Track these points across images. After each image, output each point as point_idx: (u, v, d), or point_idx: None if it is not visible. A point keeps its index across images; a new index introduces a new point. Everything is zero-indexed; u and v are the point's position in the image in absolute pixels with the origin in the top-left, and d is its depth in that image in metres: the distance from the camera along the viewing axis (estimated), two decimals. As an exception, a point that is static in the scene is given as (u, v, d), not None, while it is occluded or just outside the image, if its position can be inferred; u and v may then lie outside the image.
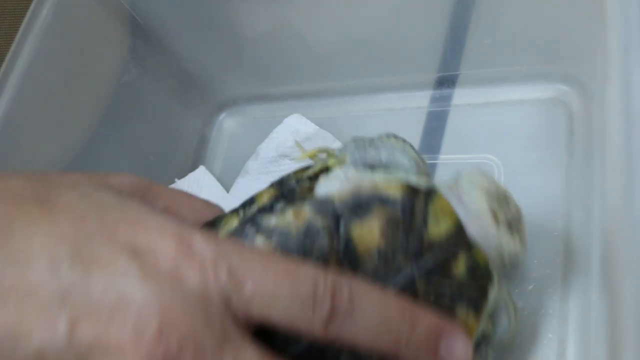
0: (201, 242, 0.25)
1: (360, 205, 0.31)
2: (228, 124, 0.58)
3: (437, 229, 0.31)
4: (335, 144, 0.50)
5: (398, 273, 0.30)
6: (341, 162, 0.34)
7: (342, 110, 0.54)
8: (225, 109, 0.58)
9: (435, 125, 0.50)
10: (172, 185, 0.52)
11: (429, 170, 0.36)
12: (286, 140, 0.50)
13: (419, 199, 0.31)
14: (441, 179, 0.36)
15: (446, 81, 0.51)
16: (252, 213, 0.31)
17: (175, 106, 0.55)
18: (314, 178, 0.33)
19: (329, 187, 0.32)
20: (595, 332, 0.37)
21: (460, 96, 0.50)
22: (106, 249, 0.24)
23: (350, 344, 0.26)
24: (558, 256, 0.41)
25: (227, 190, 0.52)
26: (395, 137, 0.35)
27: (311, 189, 0.33)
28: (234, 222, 0.31)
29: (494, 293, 0.32)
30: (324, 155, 0.36)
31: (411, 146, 0.35)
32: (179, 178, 0.53)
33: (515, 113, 0.48)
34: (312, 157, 0.36)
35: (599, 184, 0.40)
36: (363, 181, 0.32)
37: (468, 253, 0.31)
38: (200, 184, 0.53)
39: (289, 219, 0.30)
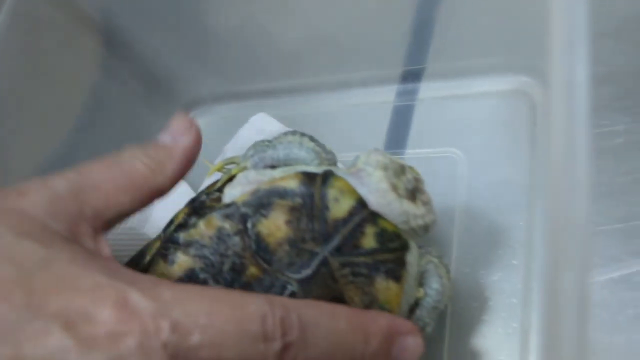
0: (138, 299, 0.24)
1: (262, 203, 0.33)
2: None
3: (339, 208, 0.33)
4: (301, 142, 0.51)
5: (311, 257, 0.32)
6: (243, 169, 0.37)
7: (310, 107, 0.55)
8: (193, 109, 0.60)
9: (401, 120, 0.52)
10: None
11: (335, 159, 0.38)
12: (251, 139, 0.50)
13: (315, 185, 0.34)
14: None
15: (412, 75, 0.52)
16: (170, 232, 0.34)
17: (142, 109, 0.56)
18: (221, 189, 0.36)
19: (233, 193, 0.35)
20: (558, 322, 0.38)
21: (426, 90, 0.52)
22: (37, 323, 0.23)
23: None
24: (522, 246, 0.44)
25: (196, 190, 0.53)
26: (294, 133, 0.38)
27: (219, 200, 0.36)
28: (156, 245, 0.35)
29: (412, 258, 0.35)
30: (232, 166, 0.39)
31: (310, 138, 0.38)
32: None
33: (480, 105, 0.50)
34: (219, 169, 0.40)
35: (562, 173, 0.41)
36: (262, 180, 0.35)
37: (374, 223, 0.33)
38: None
39: (201, 230, 0.33)
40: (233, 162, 0.39)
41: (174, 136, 0.32)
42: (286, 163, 0.37)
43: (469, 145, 0.48)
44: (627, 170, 0.44)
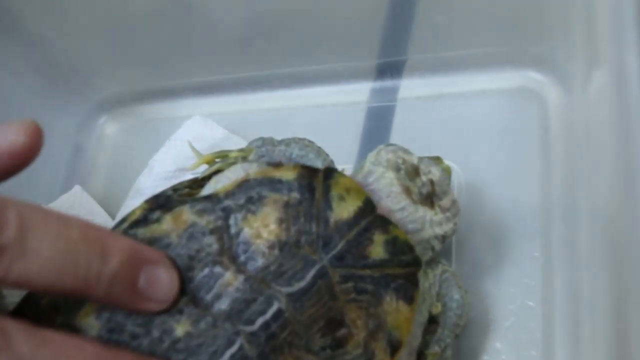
0: None
1: (250, 195, 0.33)
2: (111, 129, 0.55)
3: (344, 208, 0.33)
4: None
5: (307, 266, 0.31)
6: (244, 157, 0.37)
7: (259, 108, 0.52)
8: (107, 110, 0.55)
9: (377, 125, 0.49)
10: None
11: None
12: (186, 149, 0.47)
13: (316, 179, 0.33)
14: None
15: (390, 69, 0.50)
16: (121, 230, 0.33)
17: (40, 108, 0.52)
18: (195, 185, 0.36)
19: (216, 186, 0.35)
20: None
21: (408, 88, 0.50)
22: None
23: (25, 286, 0.26)
24: (539, 283, 0.41)
25: (113, 216, 0.50)
26: (310, 142, 0.38)
27: (191, 194, 0.35)
28: None
29: (428, 275, 0.35)
30: (220, 160, 0.38)
31: (327, 155, 0.38)
32: (47, 203, 0.49)
33: (477, 107, 0.47)
34: (209, 162, 0.39)
35: (584, 193, 0.39)
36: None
37: (384, 230, 0.33)
38: (76, 208, 0.50)
39: (166, 227, 0.32)
40: (225, 155, 0.38)
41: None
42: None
43: (465, 157, 0.46)
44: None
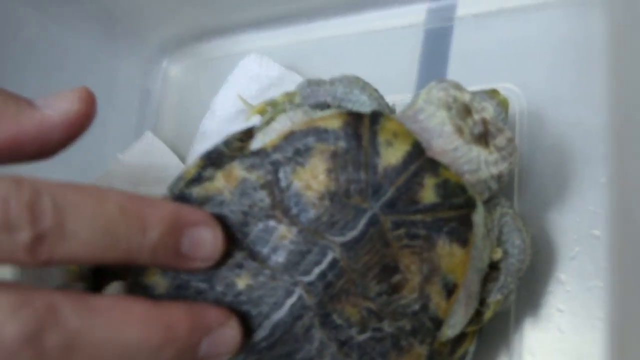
0: None
1: (297, 148, 0.32)
2: (174, 70, 0.55)
3: (392, 154, 0.32)
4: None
5: (358, 215, 0.31)
6: (291, 100, 0.37)
7: (314, 38, 0.51)
8: (169, 52, 0.56)
9: (435, 48, 0.47)
10: (115, 164, 0.49)
11: (395, 112, 0.37)
12: (244, 89, 0.47)
13: (363, 126, 0.33)
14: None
15: None
16: (179, 189, 0.33)
17: (105, 57, 0.53)
18: (246, 137, 0.35)
19: (264, 139, 0.34)
20: None
21: (466, 5, 0.47)
22: None
23: (72, 263, 0.27)
24: (606, 211, 0.39)
25: (183, 159, 0.50)
26: (357, 77, 0.37)
27: (241, 150, 0.34)
28: None
29: (479, 218, 0.33)
30: (272, 110, 0.38)
31: (375, 90, 0.37)
32: (121, 152, 0.50)
33: (539, 22, 0.44)
34: (261, 112, 0.38)
35: None
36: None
37: (434, 173, 0.32)
38: (149, 156, 0.50)
39: (219, 184, 0.32)
40: (275, 104, 0.38)
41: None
42: (340, 105, 0.36)
43: (526, 78, 0.43)
44: None
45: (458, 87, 0.35)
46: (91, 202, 0.26)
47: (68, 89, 0.30)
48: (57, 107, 0.28)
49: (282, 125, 0.35)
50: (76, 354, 0.25)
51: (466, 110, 0.35)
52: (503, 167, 0.35)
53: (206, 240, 0.29)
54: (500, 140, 0.35)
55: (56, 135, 0.28)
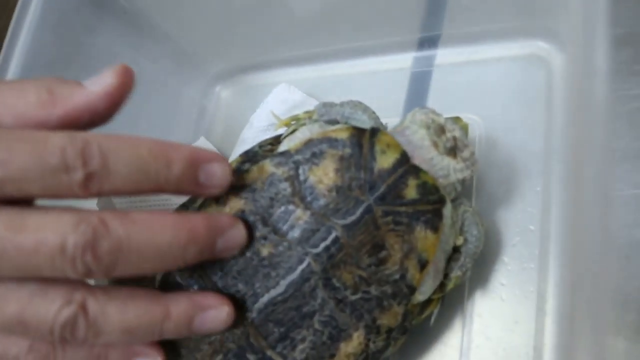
0: None
1: (314, 151, 0.32)
2: (224, 94, 0.55)
3: (385, 160, 0.32)
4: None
5: (357, 204, 0.31)
6: (310, 116, 0.37)
7: (328, 75, 0.50)
8: (221, 81, 0.55)
9: (419, 87, 0.46)
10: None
11: (386, 129, 0.36)
12: (276, 109, 0.47)
13: (364, 137, 0.32)
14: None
15: (428, 41, 0.46)
16: None
17: (173, 83, 0.52)
18: (275, 142, 0.35)
19: (289, 144, 0.34)
20: (573, 287, 0.34)
21: (443, 56, 0.46)
22: None
23: (116, 195, 0.27)
24: (539, 211, 0.39)
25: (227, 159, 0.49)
26: (360, 102, 0.37)
27: (271, 151, 0.34)
28: None
29: (447, 212, 0.33)
30: (295, 122, 0.37)
31: (373, 112, 0.36)
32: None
33: (496, 71, 0.44)
34: (287, 124, 0.38)
35: (577, 141, 0.36)
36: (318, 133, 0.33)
37: (416, 176, 0.32)
38: None
39: (254, 176, 0.31)
40: (298, 119, 0.38)
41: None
42: (347, 122, 0.36)
43: (486, 111, 0.42)
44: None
45: (435, 112, 0.35)
46: (128, 147, 0.25)
47: (108, 67, 0.28)
48: (100, 83, 0.27)
49: (302, 134, 0.35)
50: (124, 254, 0.24)
51: (441, 130, 0.34)
52: (467, 173, 0.34)
53: (217, 172, 0.28)
54: (465, 154, 0.34)
55: (102, 106, 0.27)
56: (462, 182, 0.34)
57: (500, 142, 0.41)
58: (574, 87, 0.39)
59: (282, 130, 0.37)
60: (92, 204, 0.40)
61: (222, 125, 0.53)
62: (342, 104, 0.36)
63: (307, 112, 0.38)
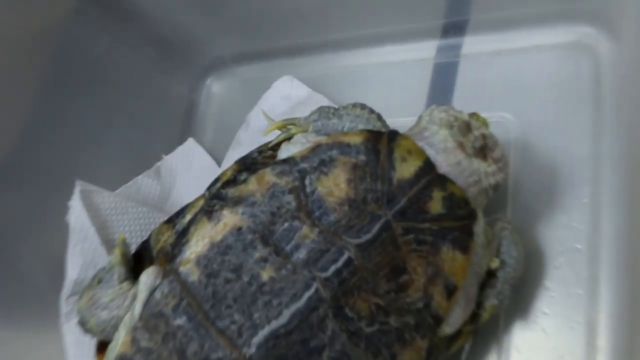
0: None
1: (322, 159, 0.31)
2: (216, 88, 0.54)
3: (406, 168, 0.31)
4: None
5: (373, 220, 0.30)
6: (304, 130, 0.35)
7: (339, 66, 0.48)
8: (212, 72, 0.54)
9: (443, 79, 0.45)
10: (160, 162, 0.48)
11: None
12: (276, 106, 0.46)
13: (381, 142, 0.31)
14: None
15: (454, 28, 0.45)
16: (216, 189, 0.32)
17: (157, 74, 0.51)
18: (277, 147, 0.34)
19: (291, 150, 0.33)
20: (632, 318, 0.33)
21: (471, 44, 0.45)
22: None
23: None
24: (587, 227, 0.37)
25: (219, 163, 0.48)
26: (363, 107, 0.35)
27: (272, 157, 0.33)
28: (199, 203, 0.33)
29: (479, 228, 0.32)
30: (292, 127, 0.36)
31: (378, 117, 0.35)
32: (167, 153, 0.49)
33: (533, 61, 0.42)
34: (280, 128, 0.36)
35: (633, 143, 0.35)
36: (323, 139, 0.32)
37: (442, 187, 0.31)
38: (190, 158, 0.49)
39: (252, 187, 0.31)
40: (293, 123, 0.36)
41: None
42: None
43: (521, 109, 0.41)
44: None
45: (456, 109, 0.34)
46: None
47: None
48: None
49: (300, 142, 0.33)
50: None
51: (467, 128, 0.33)
52: (500, 177, 0.33)
53: None
54: (496, 153, 0.33)
55: None
56: (495, 187, 0.33)
57: (539, 146, 0.40)
58: (626, 79, 0.37)
59: (274, 135, 0.36)
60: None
61: (214, 124, 0.52)
62: (340, 115, 0.35)
63: (299, 125, 0.36)
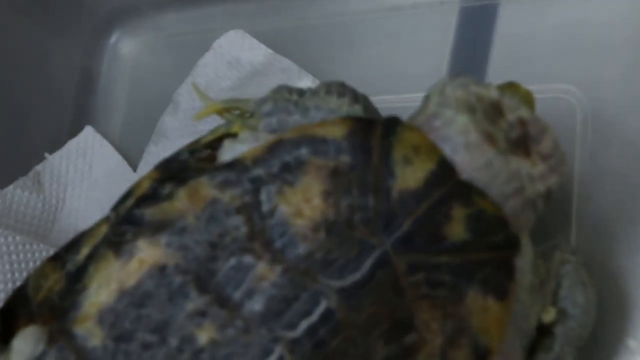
0: None
1: (285, 161, 0.32)
2: (126, 48, 0.56)
3: (411, 174, 0.32)
4: (302, 80, 0.46)
5: (363, 253, 0.30)
6: (251, 129, 0.37)
7: (316, 15, 0.51)
8: (119, 25, 0.55)
9: (473, 34, 0.47)
10: (41, 165, 0.49)
11: None
12: (219, 78, 0.48)
13: (373, 136, 0.32)
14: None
15: None
16: (126, 209, 0.33)
17: (30, 32, 0.52)
18: (217, 144, 0.36)
19: (238, 149, 0.34)
20: None
21: None
22: None
23: None
24: None
25: (134, 166, 0.50)
26: (341, 92, 0.36)
27: (211, 159, 0.35)
28: (102, 230, 0.33)
29: (524, 262, 0.33)
30: (237, 112, 0.38)
31: (365, 107, 0.37)
32: (51, 151, 0.50)
33: (609, 7, 0.44)
34: (220, 113, 0.38)
35: None
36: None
37: (466, 201, 0.32)
38: (87, 158, 0.50)
39: (181, 205, 0.32)
40: (238, 108, 0.38)
41: None
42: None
43: (591, 79, 0.43)
44: None
45: (479, 83, 0.35)
46: None
47: None
48: None
49: (248, 140, 0.35)
50: None
51: (496, 111, 0.34)
52: (552, 181, 0.34)
53: None
54: (545, 146, 0.34)
55: None
56: (547, 197, 0.34)
57: (618, 133, 0.42)
58: None
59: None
60: None
61: (124, 106, 0.54)
62: (305, 108, 0.36)
63: (249, 109, 0.38)
